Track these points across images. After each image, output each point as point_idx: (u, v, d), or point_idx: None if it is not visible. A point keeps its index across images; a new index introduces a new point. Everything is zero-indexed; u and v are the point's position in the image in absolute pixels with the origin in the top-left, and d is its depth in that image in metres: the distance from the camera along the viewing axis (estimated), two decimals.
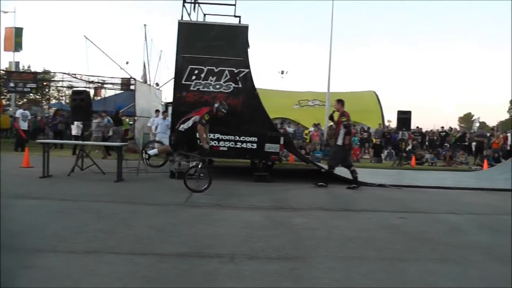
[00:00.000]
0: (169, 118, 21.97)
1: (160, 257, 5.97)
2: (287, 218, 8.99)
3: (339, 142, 13.95)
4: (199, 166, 11.61)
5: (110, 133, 22.92)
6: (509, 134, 28.87)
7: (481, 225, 9.22)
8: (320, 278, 5.37)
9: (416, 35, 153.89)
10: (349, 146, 14.34)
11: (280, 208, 10.15)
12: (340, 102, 14.42)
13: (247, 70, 14.32)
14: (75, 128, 22.42)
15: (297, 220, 8.81)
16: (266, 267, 5.74)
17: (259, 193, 12.09)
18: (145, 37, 33.27)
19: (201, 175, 11.51)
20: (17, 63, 40.01)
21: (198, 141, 12.05)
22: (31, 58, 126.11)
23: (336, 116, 14.72)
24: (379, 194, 12.98)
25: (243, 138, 14.39)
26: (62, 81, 30.61)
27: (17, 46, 38.10)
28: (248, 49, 14.69)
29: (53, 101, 52.69)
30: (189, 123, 11.90)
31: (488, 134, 31.91)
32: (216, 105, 12.14)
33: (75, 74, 28.99)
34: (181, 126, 11.97)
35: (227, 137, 14.37)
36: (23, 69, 45.49)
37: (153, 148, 13.07)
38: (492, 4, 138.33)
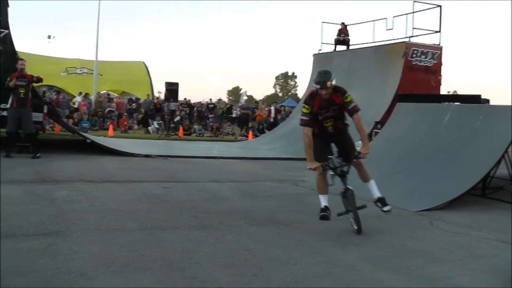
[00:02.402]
0: None
1: None
2: (49, 192, 8.64)
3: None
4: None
5: None
6: (272, 108, 30.92)
7: (242, 192, 9.84)
8: (79, 252, 5.27)
9: (185, 7, 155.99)
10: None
11: (42, 181, 9.72)
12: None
13: (6, 31, 13.31)
14: None
15: (58, 193, 8.52)
16: (22, 245, 5.47)
17: (20, 165, 11.44)
18: None
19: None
20: None
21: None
22: None
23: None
24: (144, 165, 13.13)
25: (3, 106, 13.34)
26: None
27: None
28: (8, 8, 13.62)
29: None
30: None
31: (253, 107, 33.85)
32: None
33: None
34: None
35: None
36: None
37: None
38: None
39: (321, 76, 6.68)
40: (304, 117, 6.84)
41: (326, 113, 6.81)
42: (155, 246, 5.76)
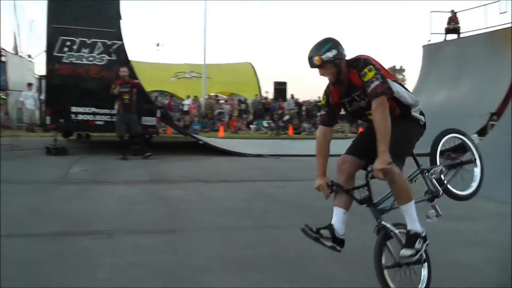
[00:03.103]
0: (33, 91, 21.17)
1: (35, 238, 5.73)
2: (164, 191, 8.96)
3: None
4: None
5: None
6: None
7: (356, 190, 9.60)
8: (197, 249, 5.42)
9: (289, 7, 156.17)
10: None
11: (157, 181, 10.11)
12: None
13: (120, 42, 13.98)
14: None
15: (174, 193, 8.80)
16: (143, 241, 5.71)
17: (136, 167, 11.92)
18: (14, 5, 31.11)
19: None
20: None
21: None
22: None
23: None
24: (256, 164, 13.26)
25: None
26: None
27: None
28: (121, 21, 14.31)
29: None
30: None
31: None
32: None
33: None
34: None
35: (103, 111, 13.92)
36: None
37: None
38: None
39: (310, 51, 4.00)
40: (321, 111, 4.49)
41: (353, 102, 4.17)
42: (271, 244, 5.78)
